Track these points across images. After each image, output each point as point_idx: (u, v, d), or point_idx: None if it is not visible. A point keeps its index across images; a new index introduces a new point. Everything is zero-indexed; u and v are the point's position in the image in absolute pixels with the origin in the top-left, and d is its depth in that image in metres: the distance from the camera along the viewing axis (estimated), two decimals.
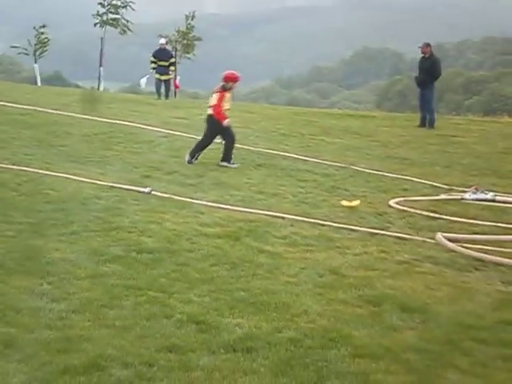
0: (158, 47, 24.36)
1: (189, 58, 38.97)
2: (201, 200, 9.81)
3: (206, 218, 8.82)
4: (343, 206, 9.96)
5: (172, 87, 26.82)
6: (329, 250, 7.84)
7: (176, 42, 38.07)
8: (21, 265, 6.50)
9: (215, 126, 12.74)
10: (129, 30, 39.94)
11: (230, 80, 12.80)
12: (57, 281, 6.15)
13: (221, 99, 12.62)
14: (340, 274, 6.97)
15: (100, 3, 39.10)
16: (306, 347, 5.19)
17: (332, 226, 8.85)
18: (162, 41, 24.76)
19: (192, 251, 7.39)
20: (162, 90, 24.54)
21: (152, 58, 24.19)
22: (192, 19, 39.13)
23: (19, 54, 40.43)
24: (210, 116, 12.86)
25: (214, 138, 12.92)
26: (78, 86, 52.11)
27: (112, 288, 6.10)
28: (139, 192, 9.94)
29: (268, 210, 9.44)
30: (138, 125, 15.94)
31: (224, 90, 12.72)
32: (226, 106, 12.77)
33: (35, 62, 37.83)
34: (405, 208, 10.13)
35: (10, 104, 17.76)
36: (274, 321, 5.65)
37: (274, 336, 5.34)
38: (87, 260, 6.82)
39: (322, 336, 5.40)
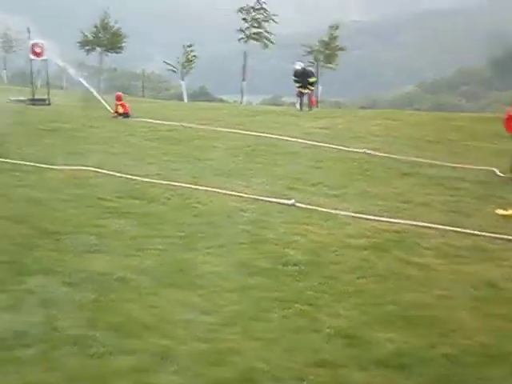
0: (298, 67, 24.50)
1: (331, 68, 38.94)
2: (345, 211, 9.66)
3: (352, 230, 8.66)
4: (498, 215, 9.42)
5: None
6: (483, 261, 7.43)
7: (318, 52, 38.19)
8: (172, 278, 6.68)
9: None
10: (271, 42, 40.57)
11: None
12: (207, 293, 6.26)
13: None
14: (497, 287, 6.57)
15: (243, 18, 40.08)
16: (464, 364, 4.91)
17: (486, 236, 8.39)
18: (297, 67, 24.79)
19: (338, 263, 7.28)
20: (305, 100, 24.66)
21: (294, 78, 24.46)
22: (335, 30, 39.11)
23: (168, 70, 42.41)
24: None
25: None
26: (222, 101, 53.64)
27: (259, 301, 6.12)
28: (283, 204, 9.96)
29: (416, 220, 9.12)
30: (280, 136, 16.05)
31: None
32: None
33: (182, 79, 39.40)
34: None
35: (159, 121, 18.56)
36: (427, 336, 5.40)
37: (427, 352, 5.10)
38: (235, 273, 6.90)
39: (481, 353, 5.09)
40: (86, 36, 44.35)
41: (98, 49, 44.29)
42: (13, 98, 26.16)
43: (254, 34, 40.26)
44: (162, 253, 7.53)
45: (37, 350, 4.83)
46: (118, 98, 20.26)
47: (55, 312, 5.49)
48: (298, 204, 9.91)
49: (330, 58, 38.72)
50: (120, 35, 44.29)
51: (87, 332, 5.21)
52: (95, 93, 22.28)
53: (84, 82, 23.03)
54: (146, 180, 11.46)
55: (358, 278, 6.80)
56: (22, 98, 25.95)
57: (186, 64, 39.72)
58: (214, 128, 17.37)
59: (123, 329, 5.35)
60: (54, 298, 5.79)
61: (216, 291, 6.33)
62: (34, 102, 25.47)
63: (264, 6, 40.27)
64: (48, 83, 26.71)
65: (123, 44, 44.55)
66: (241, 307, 5.95)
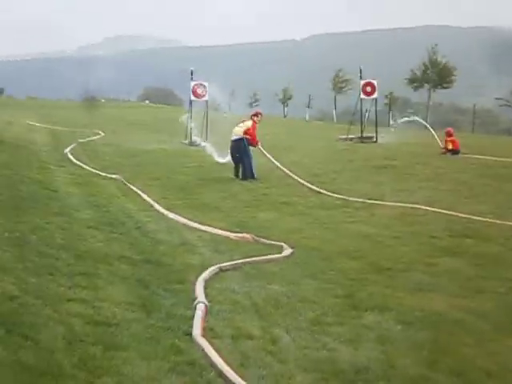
0: None
1: None
2: None
3: None
4: None
5: None
6: None
7: None
8: None
9: None
10: None
11: None
12: None
13: None
14: None
15: None
16: None
17: None
18: None
19: None
20: None
21: None
22: None
23: (501, 106, 41.03)
24: None
25: None
26: None
27: None
28: None
29: None
30: None
31: None
32: None
33: None
34: None
35: (491, 157, 17.79)
36: None
37: None
38: None
39: None
40: (415, 74, 44.96)
41: (426, 85, 44.52)
42: (342, 136, 27.50)
43: None
44: (502, 297, 7.02)
45: None
46: (449, 134, 19.88)
47: (392, 350, 5.40)
48: None
49: None
50: (449, 70, 44.00)
51: (427, 373, 5.01)
52: (431, 129, 22.27)
53: (418, 119, 23.24)
54: (480, 219, 10.96)
55: None
56: (351, 136, 27.14)
57: None
58: None
59: (464, 374, 5.04)
60: (390, 336, 5.72)
61: None
62: (362, 139, 26.46)
63: None
64: (376, 121, 27.52)
65: (453, 78, 44.16)
66: None
